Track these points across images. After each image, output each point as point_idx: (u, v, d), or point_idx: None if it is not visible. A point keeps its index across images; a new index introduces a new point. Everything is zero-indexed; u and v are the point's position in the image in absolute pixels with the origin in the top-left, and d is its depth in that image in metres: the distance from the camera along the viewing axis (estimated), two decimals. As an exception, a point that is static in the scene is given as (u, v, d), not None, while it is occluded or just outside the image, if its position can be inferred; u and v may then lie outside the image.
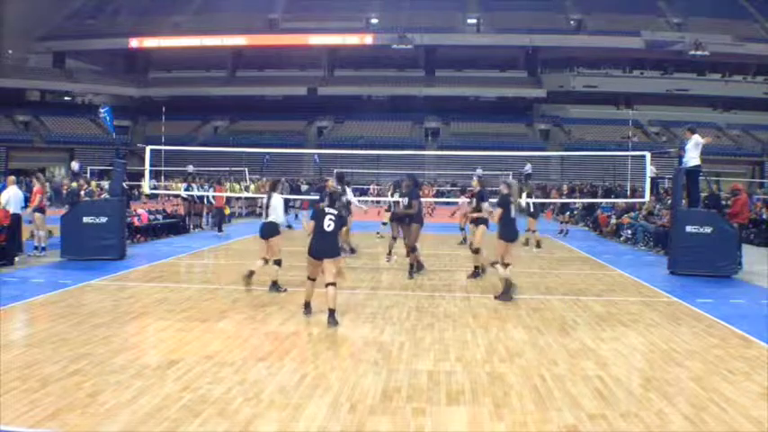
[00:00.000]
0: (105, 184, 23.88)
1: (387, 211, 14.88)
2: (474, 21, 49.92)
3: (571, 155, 38.40)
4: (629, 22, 45.75)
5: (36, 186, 13.13)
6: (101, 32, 48.45)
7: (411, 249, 10.84)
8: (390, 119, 47.56)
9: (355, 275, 10.65)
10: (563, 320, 7.79)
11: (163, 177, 32.06)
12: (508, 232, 8.86)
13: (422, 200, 11.72)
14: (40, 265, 11.56)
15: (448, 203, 24.87)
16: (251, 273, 9.15)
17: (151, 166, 17.25)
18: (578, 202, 24.29)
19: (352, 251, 13.01)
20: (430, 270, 11.39)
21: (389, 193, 13.99)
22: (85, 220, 11.94)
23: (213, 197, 18.51)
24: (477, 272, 10.74)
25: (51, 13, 49.25)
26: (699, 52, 43.98)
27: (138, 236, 15.59)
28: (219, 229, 17.49)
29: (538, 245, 15.11)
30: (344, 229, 10.80)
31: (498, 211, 8.94)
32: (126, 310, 7.94)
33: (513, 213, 8.90)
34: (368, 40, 48.32)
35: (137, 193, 29.94)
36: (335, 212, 7.59)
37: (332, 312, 7.29)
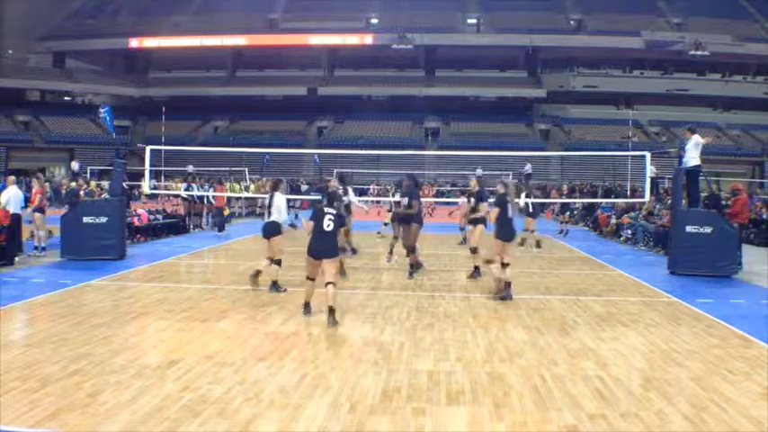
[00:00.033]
0: (105, 184, 23.89)
1: (388, 211, 14.88)
2: (474, 21, 49.92)
3: (571, 155, 38.40)
4: (629, 22, 45.75)
5: (36, 187, 13.14)
6: (101, 32, 48.45)
7: (411, 249, 10.85)
8: (390, 119, 47.56)
9: (355, 275, 10.65)
10: (563, 320, 7.79)
11: (163, 177, 32.06)
12: (505, 232, 8.89)
13: (422, 200, 11.72)
14: (40, 265, 11.57)
15: (448, 203, 24.86)
16: (257, 272, 9.19)
17: (151, 166, 17.27)
18: (578, 202, 24.29)
19: (354, 251, 13.01)
20: (430, 270, 11.39)
21: (391, 193, 13.99)
22: (85, 220, 11.94)
23: (213, 197, 18.51)
24: (476, 272, 10.75)
25: (51, 13, 49.24)
26: (699, 52, 43.98)
27: (138, 236, 15.59)
28: (220, 229, 17.48)
29: (538, 245, 15.11)
30: (345, 229, 10.80)
31: (495, 210, 8.97)
32: (126, 310, 7.94)
33: (509, 213, 8.93)
34: (368, 40, 48.32)
35: (137, 193, 29.94)
36: (334, 212, 7.59)
37: (332, 311, 7.29)
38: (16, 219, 11.93)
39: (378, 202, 26.01)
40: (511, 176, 29.68)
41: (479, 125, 45.89)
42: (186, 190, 19.82)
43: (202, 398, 4.93)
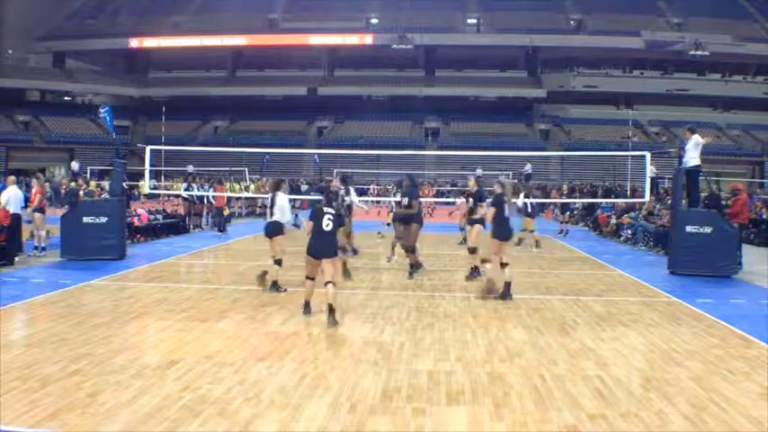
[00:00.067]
0: (105, 184, 23.88)
1: (390, 212, 14.88)
2: (474, 21, 49.92)
3: (571, 155, 38.40)
4: (629, 22, 45.75)
5: (35, 187, 13.13)
6: (101, 32, 48.43)
7: (410, 250, 10.85)
8: (390, 119, 47.55)
9: (355, 275, 10.64)
10: (563, 320, 7.79)
11: (163, 177, 32.06)
12: (501, 231, 8.93)
13: (421, 200, 11.71)
14: (40, 265, 11.57)
15: (447, 203, 24.86)
16: (264, 273, 9.23)
17: (151, 166, 17.27)
18: (578, 202, 24.29)
19: (354, 252, 13.00)
20: (430, 270, 11.40)
21: (393, 193, 13.98)
22: (85, 220, 11.94)
23: (213, 197, 18.51)
24: (475, 272, 10.74)
25: (51, 13, 49.23)
26: (699, 52, 43.97)
27: (138, 236, 15.59)
28: (220, 229, 17.48)
29: (537, 245, 15.11)
30: (346, 231, 10.80)
31: (492, 210, 9.01)
32: (126, 310, 7.94)
33: (506, 212, 8.96)
34: (368, 40, 48.31)
35: (136, 193, 29.94)
36: (333, 212, 7.61)
37: (332, 310, 7.29)
38: (16, 219, 11.93)
39: (378, 202, 26.01)
40: (511, 176, 29.73)
41: (479, 125, 45.89)
42: (186, 190, 19.82)
43: (202, 398, 4.93)
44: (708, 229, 11.21)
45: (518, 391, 5.20)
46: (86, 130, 44.52)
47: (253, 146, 32.11)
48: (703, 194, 13.37)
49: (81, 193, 18.15)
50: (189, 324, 7.27)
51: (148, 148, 14.57)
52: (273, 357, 6.06)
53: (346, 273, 10.29)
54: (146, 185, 20.87)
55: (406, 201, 10.94)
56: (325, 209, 7.58)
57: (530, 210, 15.41)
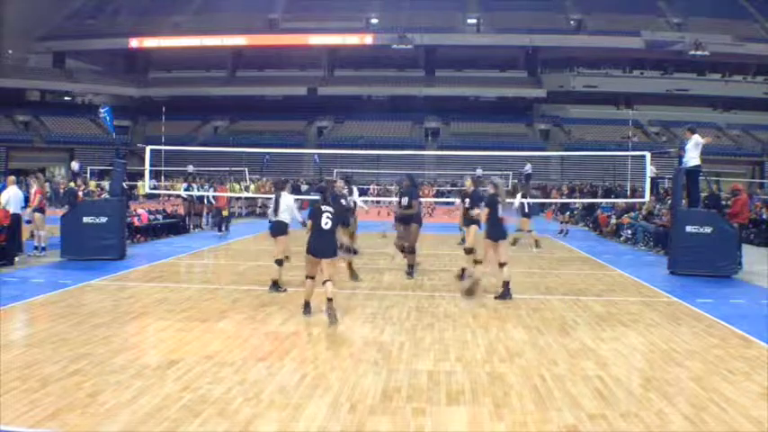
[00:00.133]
0: (105, 184, 23.88)
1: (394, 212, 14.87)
2: (474, 21, 49.89)
3: (571, 155, 38.36)
4: (629, 22, 45.72)
5: (35, 187, 13.13)
6: (101, 32, 48.39)
7: (410, 250, 10.84)
8: (390, 119, 47.52)
9: (355, 275, 10.65)
10: (563, 320, 7.79)
11: (163, 177, 32.06)
12: (494, 232, 8.96)
13: (421, 200, 11.70)
14: (40, 265, 11.57)
15: (447, 203, 24.87)
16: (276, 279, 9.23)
17: (151, 166, 17.27)
18: (578, 202, 24.29)
19: (355, 252, 12.99)
20: (430, 270, 11.40)
21: (394, 193, 13.96)
22: (85, 220, 11.95)
23: (214, 197, 18.51)
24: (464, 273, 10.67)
25: (51, 13, 49.20)
26: (699, 52, 43.94)
27: (138, 236, 15.59)
28: (220, 229, 17.48)
29: (537, 244, 15.10)
30: (350, 231, 10.81)
31: (485, 210, 9.02)
32: (126, 310, 7.94)
33: (500, 213, 8.97)
34: (368, 40, 48.28)
35: (135, 193, 29.94)
36: (332, 210, 7.64)
37: (330, 301, 7.30)
38: (16, 219, 11.93)
39: (378, 202, 26.01)
40: (511, 176, 29.72)
41: (479, 125, 45.86)
42: (186, 190, 19.81)
43: (202, 398, 4.93)
44: (708, 229, 11.21)
45: (518, 391, 5.20)
46: (86, 130, 44.50)
47: (253, 146, 32.09)
48: (703, 194, 13.37)
49: (80, 193, 18.17)
50: (189, 324, 7.28)
51: (148, 148, 14.58)
52: (273, 357, 6.06)
53: (354, 275, 10.31)
54: (145, 186, 20.84)
55: (405, 201, 10.94)
56: (324, 207, 7.61)
57: (526, 210, 15.40)
